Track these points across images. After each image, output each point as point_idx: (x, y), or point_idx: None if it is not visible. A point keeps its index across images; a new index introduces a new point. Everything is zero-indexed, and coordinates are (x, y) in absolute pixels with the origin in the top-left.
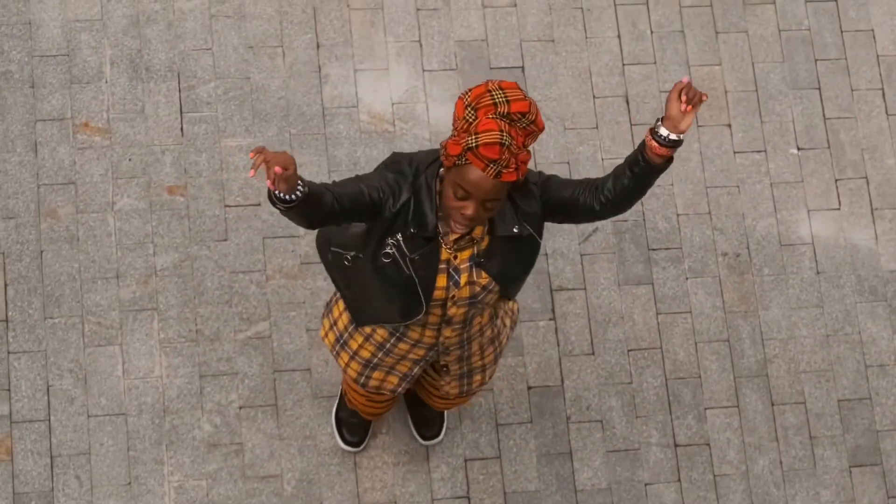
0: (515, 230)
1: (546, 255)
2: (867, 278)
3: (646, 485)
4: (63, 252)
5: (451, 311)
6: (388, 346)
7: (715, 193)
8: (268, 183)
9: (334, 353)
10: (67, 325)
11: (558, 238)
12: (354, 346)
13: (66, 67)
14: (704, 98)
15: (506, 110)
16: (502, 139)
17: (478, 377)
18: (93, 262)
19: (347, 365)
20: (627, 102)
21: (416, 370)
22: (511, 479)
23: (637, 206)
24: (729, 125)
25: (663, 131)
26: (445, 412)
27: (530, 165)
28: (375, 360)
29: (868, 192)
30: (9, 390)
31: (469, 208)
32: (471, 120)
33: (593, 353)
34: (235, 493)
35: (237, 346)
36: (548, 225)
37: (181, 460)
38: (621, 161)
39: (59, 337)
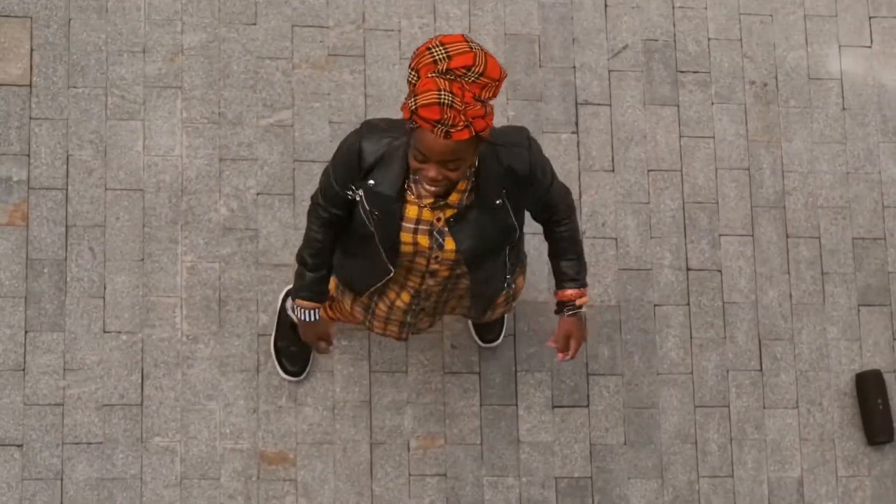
0: (499, 201)
1: (574, 68)
2: (892, 119)
3: (655, 305)
4: (91, 22)
5: (433, 266)
6: (374, 298)
7: (748, 21)
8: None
9: (337, 296)
10: (91, 95)
11: (587, 51)
12: (348, 303)
13: None
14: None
15: (445, 66)
16: (440, 98)
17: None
18: (120, 35)
19: (351, 314)
20: None
21: (408, 318)
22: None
23: (668, 27)
24: None
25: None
26: (504, 317)
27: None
28: (371, 310)
29: None
30: (28, 156)
31: (430, 170)
32: (414, 81)
33: (613, 170)
34: (248, 278)
35: (259, 132)
36: (578, 37)
37: (195, 241)
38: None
39: (81, 107)
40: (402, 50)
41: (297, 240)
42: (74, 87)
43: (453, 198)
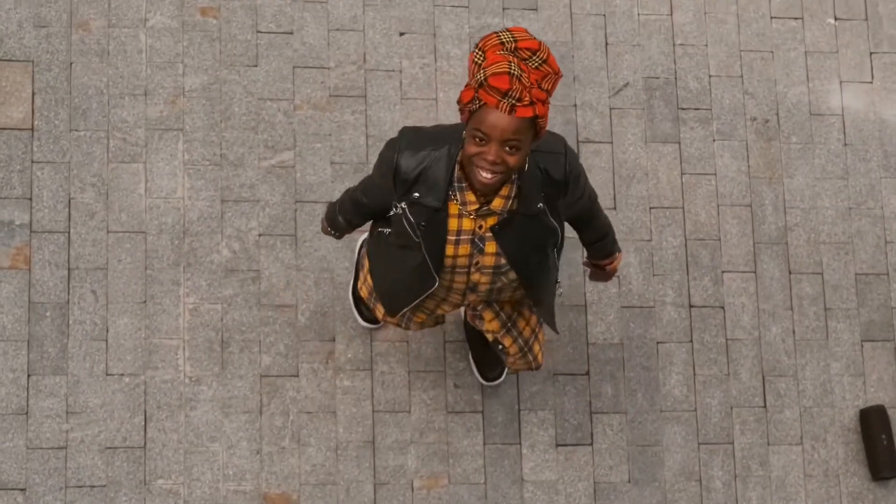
0: (540, 205)
1: (575, 106)
2: (894, 154)
3: (658, 343)
4: (92, 65)
5: (475, 276)
6: (408, 314)
7: (748, 57)
8: None
9: (371, 304)
10: (93, 138)
11: (588, 89)
12: (381, 311)
13: None
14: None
15: (513, 47)
16: (511, 69)
17: (537, 348)
18: (121, 78)
19: (385, 317)
20: None
21: (452, 311)
22: None
23: (669, 64)
24: None
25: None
26: None
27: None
28: (408, 313)
29: None
30: (30, 199)
31: (490, 152)
32: (479, 61)
33: (615, 208)
34: (250, 319)
35: (260, 173)
36: (578, 75)
37: (198, 283)
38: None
39: (83, 150)
40: (402, 90)
41: (299, 281)
42: (76, 131)
43: (497, 203)
